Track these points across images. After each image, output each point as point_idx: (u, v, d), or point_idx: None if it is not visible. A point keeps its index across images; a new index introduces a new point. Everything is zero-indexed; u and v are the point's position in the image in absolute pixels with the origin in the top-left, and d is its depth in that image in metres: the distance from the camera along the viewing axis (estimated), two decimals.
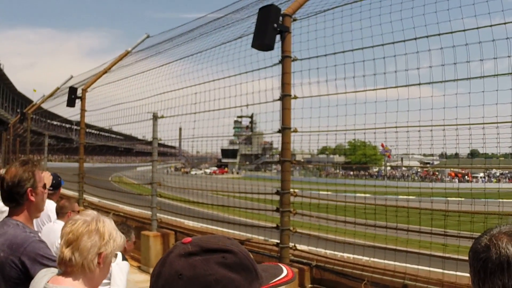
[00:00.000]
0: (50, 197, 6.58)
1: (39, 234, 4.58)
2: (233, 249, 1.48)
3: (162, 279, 1.40)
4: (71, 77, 22.00)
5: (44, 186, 4.10)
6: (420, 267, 7.51)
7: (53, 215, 6.49)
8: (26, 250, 3.61)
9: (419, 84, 7.50)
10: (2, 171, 5.60)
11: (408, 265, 7.67)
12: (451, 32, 7.06)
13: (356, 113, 8.27)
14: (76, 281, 2.90)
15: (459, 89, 7.14)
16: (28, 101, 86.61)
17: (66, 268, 2.90)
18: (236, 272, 1.44)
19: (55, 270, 3.01)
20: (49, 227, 6.11)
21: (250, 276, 1.48)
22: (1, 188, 3.90)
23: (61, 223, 5.55)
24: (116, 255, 3.18)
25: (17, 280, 3.51)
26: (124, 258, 5.86)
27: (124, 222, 6.79)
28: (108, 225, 3.00)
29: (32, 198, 4.00)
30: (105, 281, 3.74)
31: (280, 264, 1.73)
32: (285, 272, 1.66)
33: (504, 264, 2.10)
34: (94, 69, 19.12)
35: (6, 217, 4.01)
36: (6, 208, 4.06)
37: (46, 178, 4.22)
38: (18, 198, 3.91)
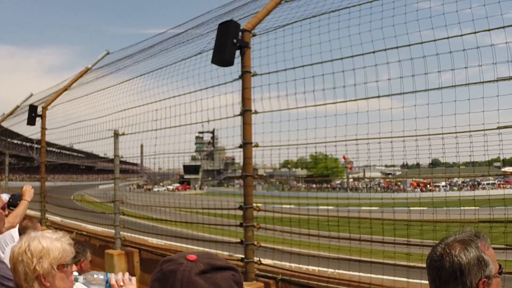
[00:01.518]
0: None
1: (2, 255, 4.53)
2: (234, 266, 1.49)
3: None
4: (31, 94, 21.69)
5: (3, 208, 4.06)
6: (385, 277, 7.55)
7: (16, 235, 6.41)
8: None
9: (378, 96, 7.57)
10: None
11: (373, 275, 7.70)
12: (409, 45, 7.15)
13: (316, 126, 8.32)
14: None
15: (418, 100, 7.24)
16: None
17: None
18: None
19: None
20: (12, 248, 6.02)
21: None
22: None
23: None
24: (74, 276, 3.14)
25: None
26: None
27: (79, 241, 6.71)
28: (42, 241, 2.94)
29: (5, 222, 3.97)
30: None
31: None
32: None
33: (457, 272, 2.15)
34: (54, 86, 18.88)
35: None
36: None
37: (2, 199, 4.17)
38: None
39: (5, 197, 5.73)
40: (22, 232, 6.25)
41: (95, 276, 3.29)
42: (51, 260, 2.91)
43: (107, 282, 3.29)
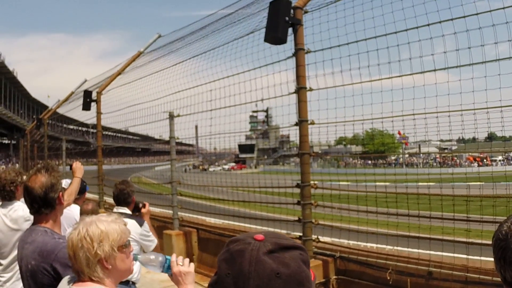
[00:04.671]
0: (76, 202, 6.65)
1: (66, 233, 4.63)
2: (302, 246, 1.47)
3: (256, 279, 1.35)
4: (85, 80, 22.01)
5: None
6: (444, 253, 7.46)
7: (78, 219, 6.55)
8: (58, 256, 3.63)
9: (435, 70, 7.44)
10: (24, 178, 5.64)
11: (432, 252, 7.62)
12: (464, 17, 7.00)
13: (372, 102, 8.25)
14: (97, 284, 2.90)
15: (475, 73, 7.10)
16: (43, 107, 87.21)
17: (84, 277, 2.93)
18: (308, 268, 1.44)
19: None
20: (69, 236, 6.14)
21: None
22: (31, 196, 3.91)
23: None
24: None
25: (50, 286, 3.53)
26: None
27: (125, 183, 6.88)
28: (99, 225, 2.98)
29: (63, 202, 4.05)
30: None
31: None
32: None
33: None
34: (107, 71, 19.13)
35: (32, 224, 4.03)
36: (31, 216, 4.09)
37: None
38: (53, 203, 3.93)
39: (66, 182, 5.84)
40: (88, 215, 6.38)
41: (152, 257, 3.33)
42: (111, 242, 2.94)
43: (165, 263, 3.32)
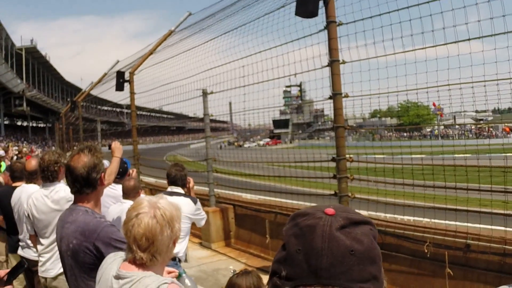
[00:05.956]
0: (119, 182, 6.78)
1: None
2: (371, 220, 1.42)
3: (329, 256, 1.27)
4: (117, 61, 22.13)
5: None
6: (481, 225, 7.39)
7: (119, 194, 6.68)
8: (100, 235, 3.67)
9: (469, 39, 7.33)
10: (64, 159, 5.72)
11: (469, 224, 7.55)
12: None
13: (406, 73, 8.16)
14: (149, 267, 2.89)
15: (510, 41, 6.96)
16: (77, 90, 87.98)
17: (141, 261, 2.88)
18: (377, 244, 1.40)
19: (122, 254, 3.02)
20: (121, 207, 6.21)
21: None
22: (73, 176, 3.95)
23: (131, 203, 5.68)
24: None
25: (92, 265, 3.56)
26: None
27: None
28: (168, 207, 2.96)
29: (105, 182, 4.09)
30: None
31: None
32: None
33: None
34: (139, 51, 19.21)
35: (73, 204, 4.07)
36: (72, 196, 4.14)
37: None
38: (94, 183, 3.97)
39: (106, 163, 5.90)
40: (130, 192, 6.45)
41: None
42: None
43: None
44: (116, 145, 5.75)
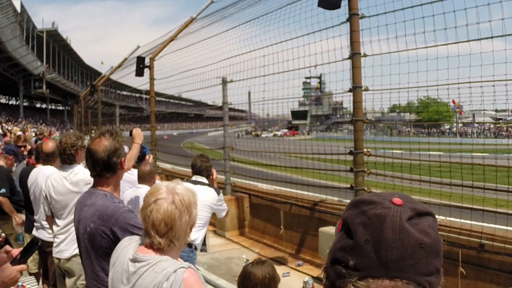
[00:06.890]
0: (136, 167, 6.82)
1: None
2: (433, 212, 1.39)
3: (400, 249, 1.24)
4: (138, 47, 22.14)
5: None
6: (497, 226, 7.35)
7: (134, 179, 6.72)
8: (118, 220, 3.69)
9: (492, 37, 7.28)
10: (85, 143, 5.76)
11: (485, 224, 7.51)
12: None
13: (427, 69, 8.12)
14: (166, 251, 2.90)
15: None
16: (97, 74, 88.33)
17: (159, 246, 2.89)
18: None
19: (138, 239, 3.05)
20: (137, 192, 6.27)
21: None
22: (93, 159, 3.96)
23: (146, 188, 5.72)
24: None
25: (108, 250, 3.56)
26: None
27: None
28: (184, 192, 2.96)
29: (125, 167, 4.11)
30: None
31: None
32: None
33: None
34: (160, 37, 19.20)
35: (92, 187, 4.09)
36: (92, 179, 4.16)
37: None
38: (115, 167, 3.99)
39: (126, 149, 5.94)
40: (146, 177, 6.49)
41: None
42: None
43: None
44: (137, 131, 5.77)
